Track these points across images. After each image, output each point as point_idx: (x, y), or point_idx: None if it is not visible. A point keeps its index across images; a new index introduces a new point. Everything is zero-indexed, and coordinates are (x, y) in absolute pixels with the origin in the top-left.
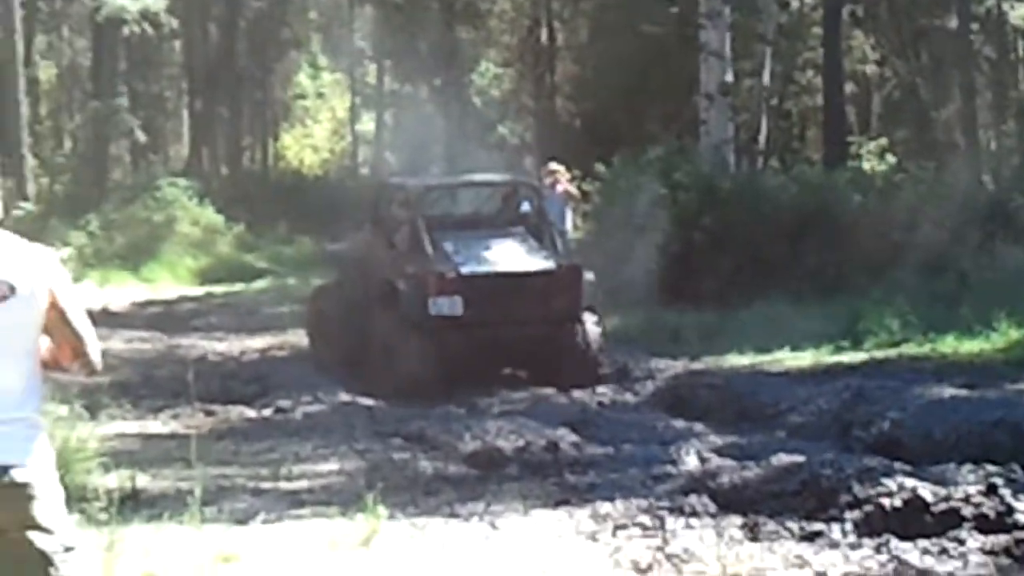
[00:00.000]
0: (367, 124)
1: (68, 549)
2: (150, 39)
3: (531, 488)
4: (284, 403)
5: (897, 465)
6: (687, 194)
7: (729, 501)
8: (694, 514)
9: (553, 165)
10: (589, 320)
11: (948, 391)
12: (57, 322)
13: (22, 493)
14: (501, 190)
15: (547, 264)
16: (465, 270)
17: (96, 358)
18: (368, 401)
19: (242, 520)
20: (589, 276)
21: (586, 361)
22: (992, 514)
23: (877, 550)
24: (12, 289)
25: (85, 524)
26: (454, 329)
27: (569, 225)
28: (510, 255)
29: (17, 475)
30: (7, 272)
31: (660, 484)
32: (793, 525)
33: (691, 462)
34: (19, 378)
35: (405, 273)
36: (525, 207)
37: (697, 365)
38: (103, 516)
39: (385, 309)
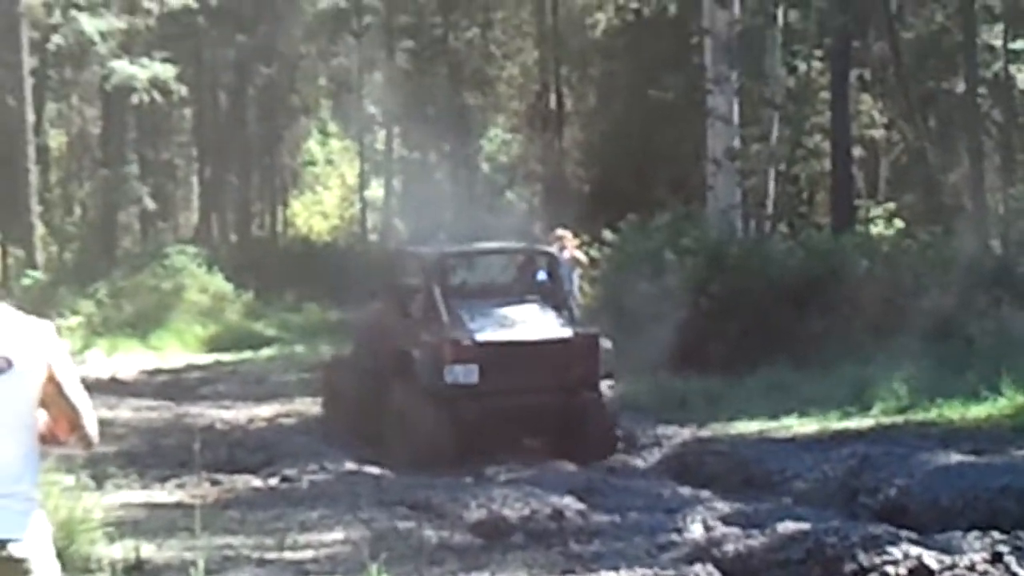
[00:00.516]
0: (376, 190)
1: None
2: (160, 107)
3: (536, 557)
4: (290, 472)
5: (903, 533)
6: (695, 259)
7: (734, 570)
8: None
9: (560, 231)
10: (606, 388)
11: (955, 457)
12: (54, 395)
13: (19, 567)
14: (517, 258)
15: (564, 332)
16: (481, 338)
17: (93, 432)
18: (374, 470)
19: None
20: (606, 344)
21: (604, 430)
22: None
23: None
24: (9, 363)
25: None
26: (470, 398)
27: (576, 291)
28: (527, 323)
29: (14, 549)
30: (5, 346)
31: (665, 553)
32: None
33: (696, 530)
34: (17, 452)
35: (421, 341)
36: (541, 275)
37: (704, 432)
38: None
39: (400, 378)
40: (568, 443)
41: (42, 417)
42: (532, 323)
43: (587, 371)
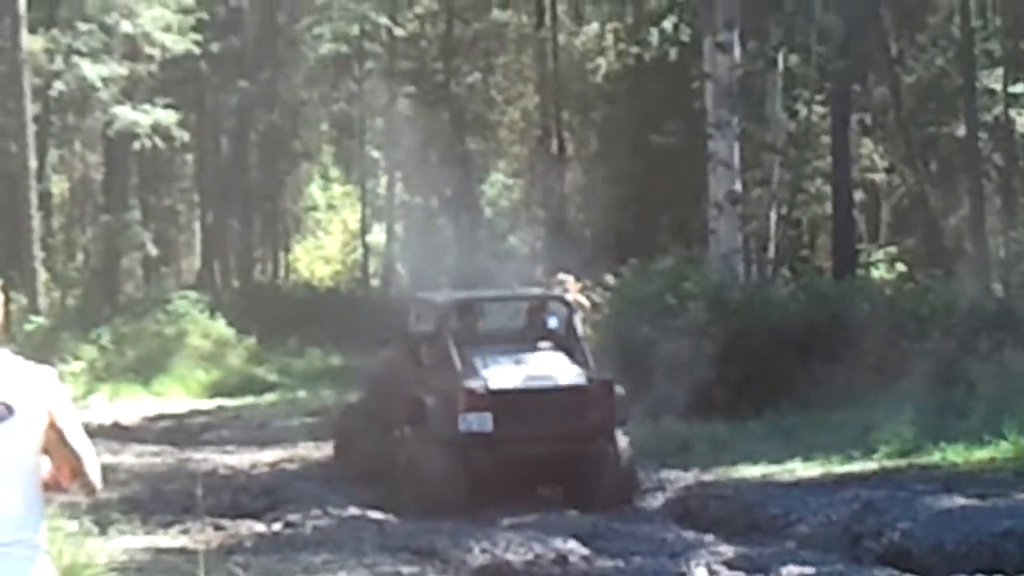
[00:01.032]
0: (378, 235)
1: None
2: (162, 153)
3: None
4: (294, 517)
5: None
6: (696, 304)
7: None
8: None
9: (562, 276)
10: (621, 435)
11: (958, 501)
12: (56, 442)
13: None
14: (529, 304)
15: (579, 379)
16: (495, 386)
17: (95, 478)
18: (377, 515)
19: None
20: (620, 390)
21: (620, 478)
22: None
23: None
24: (11, 410)
25: None
26: (484, 446)
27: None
28: (540, 370)
29: None
30: (6, 392)
31: None
32: None
33: (700, 575)
34: (20, 498)
35: (433, 389)
36: (553, 321)
37: (707, 476)
38: None
39: (413, 426)
40: (584, 492)
41: (45, 464)
42: (546, 370)
43: (602, 418)
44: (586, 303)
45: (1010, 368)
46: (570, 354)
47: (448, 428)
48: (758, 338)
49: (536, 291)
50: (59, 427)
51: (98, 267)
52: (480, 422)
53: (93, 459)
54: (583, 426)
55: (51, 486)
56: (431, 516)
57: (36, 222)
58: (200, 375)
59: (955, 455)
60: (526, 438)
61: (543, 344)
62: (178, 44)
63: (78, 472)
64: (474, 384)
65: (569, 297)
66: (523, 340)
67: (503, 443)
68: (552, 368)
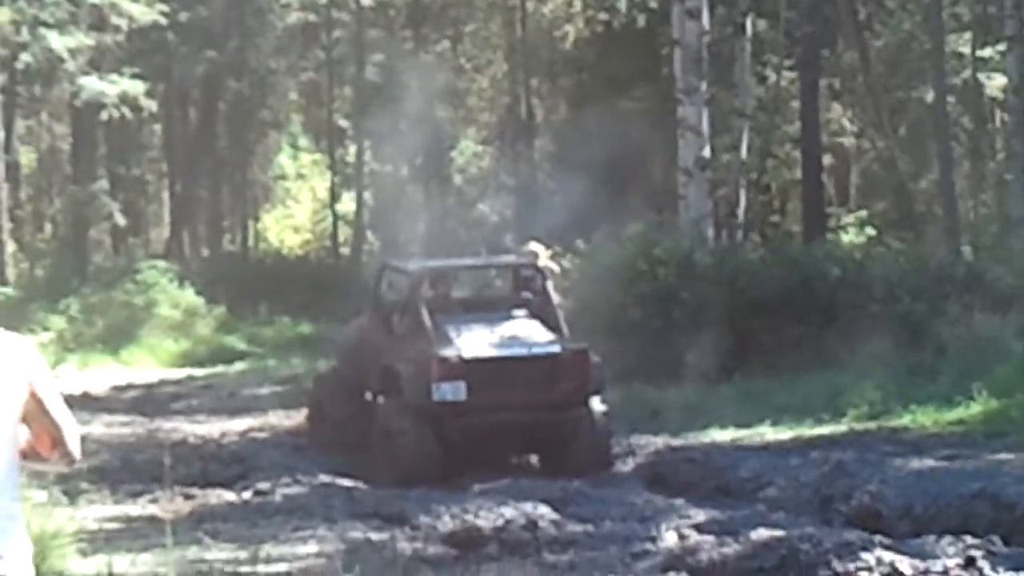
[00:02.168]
0: (347, 204)
1: None
2: (129, 123)
3: (510, 568)
4: (263, 485)
5: (876, 538)
6: (666, 269)
7: None
8: None
9: (532, 245)
10: (597, 403)
11: (928, 463)
12: (35, 411)
13: None
14: (503, 272)
15: (553, 347)
16: (469, 354)
17: (75, 448)
18: (347, 482)
19: None
20: (595, 358)
21: (596, 446)
22: None
23: None
24: None
25: None
26: (458, 415)
27: None
28: (515, 338)
29: None
30: None
31: (639, 562)
32: None
33: (671, 539)
34: None
35: (407, 358)
36: (527, 289)
37: (677, 441)
38: None
39: (386, 395)
40: (560, 460)
41: (23, 434)
42: (520, 338)
43: (577, 386)
44: (556, 268)
45: (979, 331)
46: (544, 322)
47: (421, 397)
48: (728, 303)
49: (510, 259)
50: (39, 396)
51: (66, 238)
52: (454, 391)
53: (73, 429)
54: (558, 394)
55: (29, 456)
56: (404, 484)
57: (4, 193)
58: (169, 344)
59: (924, 417)
60: (500, 406)
61: (517, 312)
62: (145, 14)
63: (58, 442)
64: (447, 352)
65: (540, 264)
66: (497, 308)
67: (477, 412)
68: (526, 336)
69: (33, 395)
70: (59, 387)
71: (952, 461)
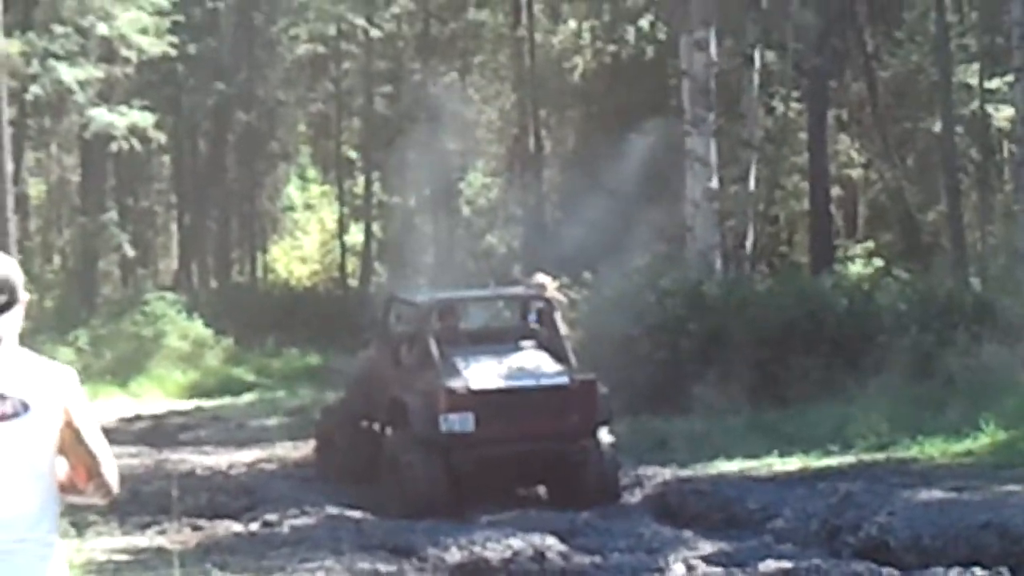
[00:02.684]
0: (356, 235)
1: None
2: (139, 154)
3: None
4: (271, 517)
5: (885, 570)
6: (674, 300)
7: None
8: None
9: (539, 277)
10: (604, 435)
11: (936, 494)
12: (72, 441)
13: None
14: (512, 303)
15: (561, 378)
16: (477, 385)
17: (112, 480)
18: (355, 514)
19: None
20: (603, 390)
21: (604, 477)
22: None
23: None
24: (26, 407)
25: None
26: (466, 446)
27: None
28: (522, 369)
29: None
30: (21, 390)
31: None
32: None
33: (679, 570)
34: (34, 497)
35: (415, 389)
36: (535, 320)
37: (685, 472)
38: None
39: (394, 426)
40: (567, 492)
41: (62, 466)
42: (528, 369)
43: (585, 417)
44: (563, 299)
45: (987, 362)
46: (552, 353)
47: (429, 428)
48: (736, 334)
49: (518, 290)
50: (76, 426)
51: (75, 269)
52: (461, 422)
53: (110, 461)
54: (565, 426)
55: (67, 488)
56: (412, 516)
57: (13, 225)
58: (178, 376)
59: (932, 449)
60: (508, 438)
61: (525, 343)
62: (154, 46)
63: (94, 472)
64: (455, 384)
65: (547, 295)
66: (505, 339)
67: (485, 443)
68: (534, 367)
69: (70, 424)
70: (98, 418)
71: (961, 492)
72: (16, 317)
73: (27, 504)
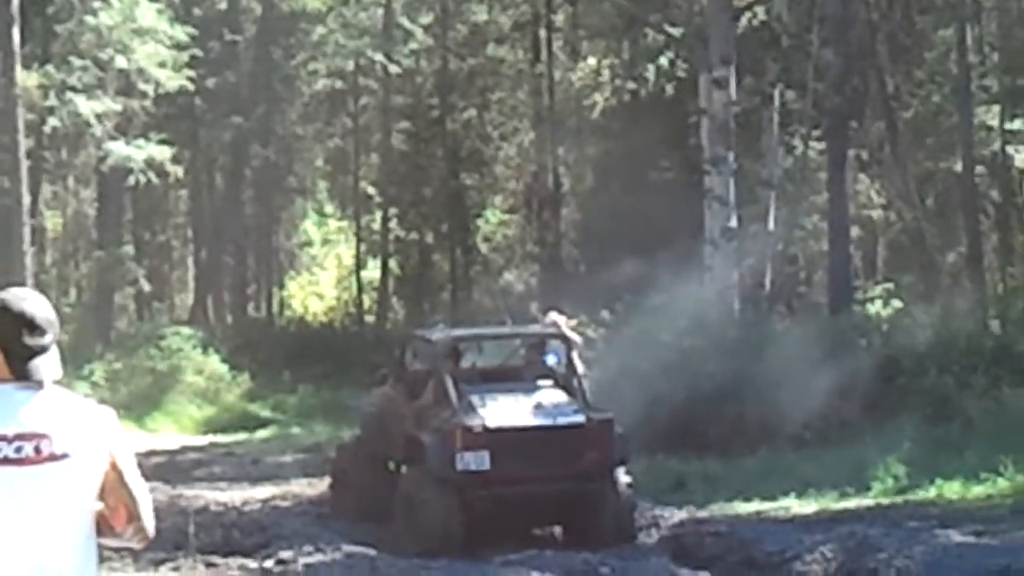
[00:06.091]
0: (373, 271)
1: None
2: (155, 188)
3: None
4: (286, 554)
5: None
6: (691, 340)
7: None
8: None
9: (553, 315)
10: (621, 475)
11: (955, 538)
12: (114, 484)
13: None
14: (528, 341)
15: (577, 417)
16: (493, 424)
17: (150, 524)
18: (370, 552)
19: None
20: (619, 429)
21: (620, 517)
22: None
23: None
24: (71, 449)
25: None
26: (481, 485)
27: None
28: (539, 408)
29: None
30: (64, 433)
31: None
32: None
33: None
34: (77, 542)
35: (431, 427)
36: (552, 358)
37: (702, 513)
38: None
39: (410, 464)
40: (583, 531)
41: (96, 507)
42: (545, 408)
43: (601, 457)
44: (577, 339)
45: (1007, 405)
46: (569, 392)
47: (445, 467)
48: (754, 374)
49: (534, 328)
50: (119, 468)
51: (91, 303)
52: (477, 461)
53: (148, 504)
54: (582, 465)
55: (103, 530)
56: (427, 555)
57: (29, 258)
58: (193, 411)
59: (951, 492)
60: (524, 477)
61: (542, 382)
62: (172, 80)
63: (133, 516)
64: (471, 422)
65: None
66: (521, 378)
67: (501, 482)
68: (551, 406)
69: (114, 466)
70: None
71: (979, 536)
72: (56, 357)
73: (72, 549)
